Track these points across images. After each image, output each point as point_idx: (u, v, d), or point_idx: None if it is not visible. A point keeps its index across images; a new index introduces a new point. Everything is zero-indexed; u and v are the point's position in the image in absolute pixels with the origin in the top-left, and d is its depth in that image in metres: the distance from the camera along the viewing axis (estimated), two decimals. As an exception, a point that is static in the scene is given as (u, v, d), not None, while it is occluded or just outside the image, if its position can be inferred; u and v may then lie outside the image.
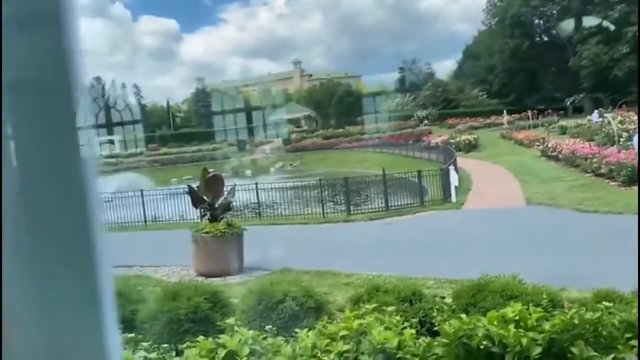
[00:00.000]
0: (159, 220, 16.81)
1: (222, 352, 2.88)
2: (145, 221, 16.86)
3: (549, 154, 22.72)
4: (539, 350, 2.65)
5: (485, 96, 57.34)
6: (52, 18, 0.47)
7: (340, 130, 52.46)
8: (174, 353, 3.45)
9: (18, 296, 0.47)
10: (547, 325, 2.79)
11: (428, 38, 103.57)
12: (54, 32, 0.48)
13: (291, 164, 41.99)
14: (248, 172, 37.07)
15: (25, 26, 0.47)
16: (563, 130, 32.00)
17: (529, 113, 42.45)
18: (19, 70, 0.47)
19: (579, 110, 46.97)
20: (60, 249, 0.49)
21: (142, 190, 17.96)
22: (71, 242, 0.50)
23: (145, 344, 3.44)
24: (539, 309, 3.09)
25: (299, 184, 19.62)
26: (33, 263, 0.48)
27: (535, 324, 2.82)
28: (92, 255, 0.50)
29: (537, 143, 26.84)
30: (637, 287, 3.74)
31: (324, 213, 15.60)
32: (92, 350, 0.51)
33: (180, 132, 62.70)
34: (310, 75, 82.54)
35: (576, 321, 2.77)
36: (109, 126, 52.49)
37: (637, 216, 7.87)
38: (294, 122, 59.86)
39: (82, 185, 0.50)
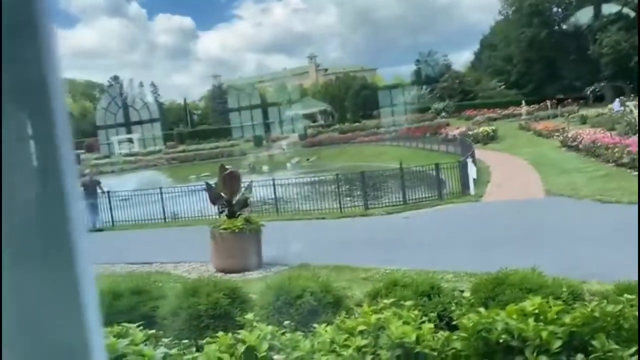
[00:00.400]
0: (178, 217, 16.98)
1: (241, 348, 2.91)
2: (165, 218, 17.05)
3: (569, 144, 22.39)
4: (559, 343, 2.63)
5: (503, 87, 56.68)
6: (30, 26, 0.48)
7: (356, 124, 52.38)
8: (194, 349, 3.49)
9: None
10: (567, 319, 2.76)
11: (444, 29, 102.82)
12: (31, 41, 0.48)
13: (308, 159, 42.06)
14: (265, 167, 37.26)
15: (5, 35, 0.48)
16: (583, 120, 31.50)
17: (548, 103, 41.87)
18: None
19: (599, 99, 46.13)
20: (40, 249, 0.50)
21: (161, 188, 18.16)
22: (51, 241, 0.50)
23: (166, 340, 3.49)
24: (559, 302, 3.06)
25: (316, 179, 19.65)
26: (14, 263, 0.49)
27: (555, 317, 2.79)
28: (72, 254, 0.51)
29: (556, 133, 26.47)
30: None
31: (341, 208, 15.60)
32: (75, 348, 0.52)
33: (197, 130, 63.20)
34: (326, 70, 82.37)
35: (597, 314, 2.74)
36: (127, 125, 53.22)
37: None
38: (310, 117, 59.92)
39: (62, 184, 0.50)
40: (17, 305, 0.49)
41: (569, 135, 23.33)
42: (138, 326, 3.36)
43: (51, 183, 0.50)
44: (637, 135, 16.67)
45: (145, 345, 3.08)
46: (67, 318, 0.51)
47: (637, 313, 2.77)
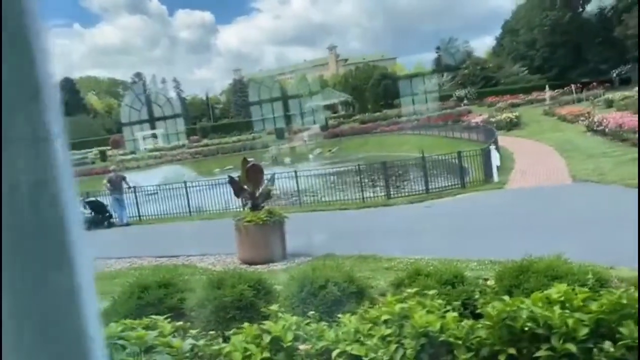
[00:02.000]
0: (203, 211, 17.18)
1: (267, 338, 2.95)
2: (190, 212, 17.26)
3: (595, 128, 21.92)
4: (585, 331, 2.61)
5: (526, 72, 55.69)
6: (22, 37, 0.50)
7: (377, 114, 52.03)
8: (221, 340, 3.55)
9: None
10: (594, 306, 2.73)
11: (465, 15, 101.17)
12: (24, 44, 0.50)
13: (329, 150, 42.00)
14: (287, 159, 37.37)
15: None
16: (609, 104, 30.77)
17: (573, 87, 41.01)
18: None
19: (625, 82, 45.03)
20: (37, 247, 0.51)
21: (185, 182, 18.39)
22: (48, 238, 0.52)
23: (193, 332, 3.56)
24: (585, 289, 3.03)
25: (338, 169, 19.64)
26: (11, 262, 0.50)
27: (581, 304, 2.77)
28: (69, 253, 0.52)
29: (581, 118, 25.96)
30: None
31: (363, 198, 15.59)
32: (73, 343, 0.53)
33: (220, 123, 63.70)
34: (346, 60, 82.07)
35: (624, 301, 2.70)
36: (151, 121, 53.92)
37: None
38: (331, 108, 59.81)
39: (58, 185, 0.51)
40: (18, 305, 0.51)
41: (595, 119, 22.83)
42: (166, 318, 3.44)
43: (47, 184, 0.51)
44: (638, 126, 16.42)
45: (174, 337, 3.15)
46: (67, 316, 0.52)
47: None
